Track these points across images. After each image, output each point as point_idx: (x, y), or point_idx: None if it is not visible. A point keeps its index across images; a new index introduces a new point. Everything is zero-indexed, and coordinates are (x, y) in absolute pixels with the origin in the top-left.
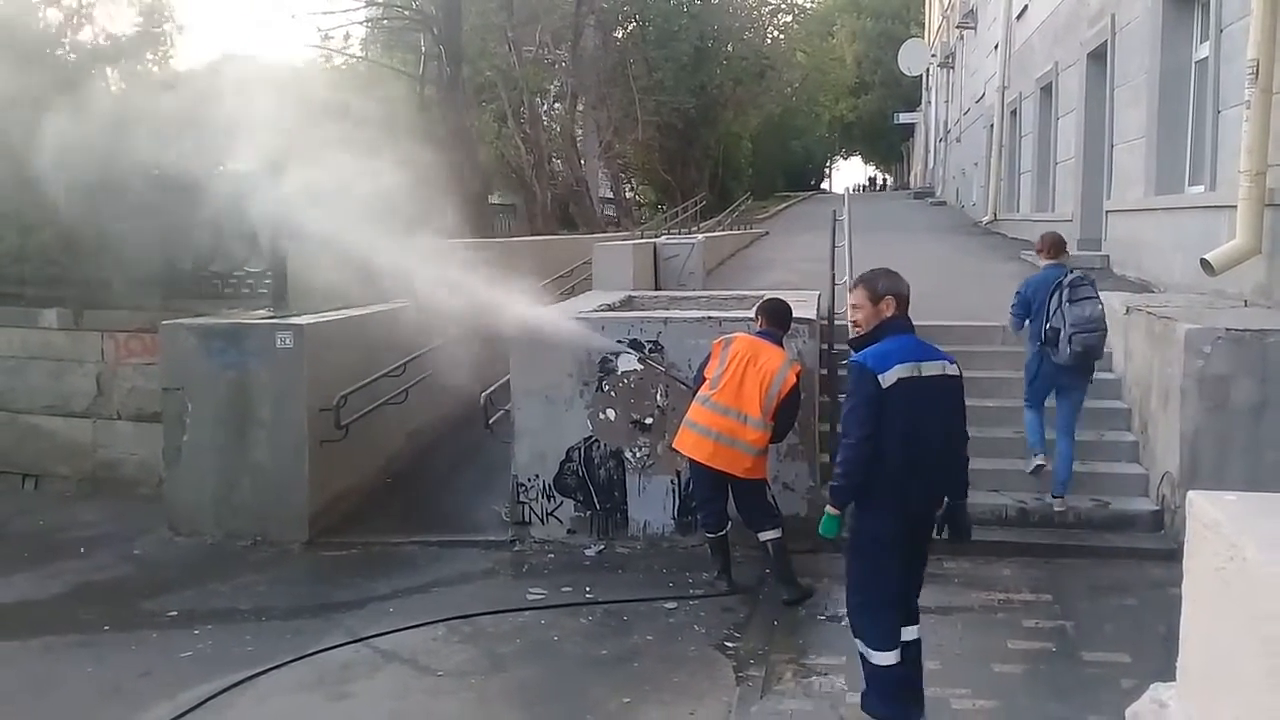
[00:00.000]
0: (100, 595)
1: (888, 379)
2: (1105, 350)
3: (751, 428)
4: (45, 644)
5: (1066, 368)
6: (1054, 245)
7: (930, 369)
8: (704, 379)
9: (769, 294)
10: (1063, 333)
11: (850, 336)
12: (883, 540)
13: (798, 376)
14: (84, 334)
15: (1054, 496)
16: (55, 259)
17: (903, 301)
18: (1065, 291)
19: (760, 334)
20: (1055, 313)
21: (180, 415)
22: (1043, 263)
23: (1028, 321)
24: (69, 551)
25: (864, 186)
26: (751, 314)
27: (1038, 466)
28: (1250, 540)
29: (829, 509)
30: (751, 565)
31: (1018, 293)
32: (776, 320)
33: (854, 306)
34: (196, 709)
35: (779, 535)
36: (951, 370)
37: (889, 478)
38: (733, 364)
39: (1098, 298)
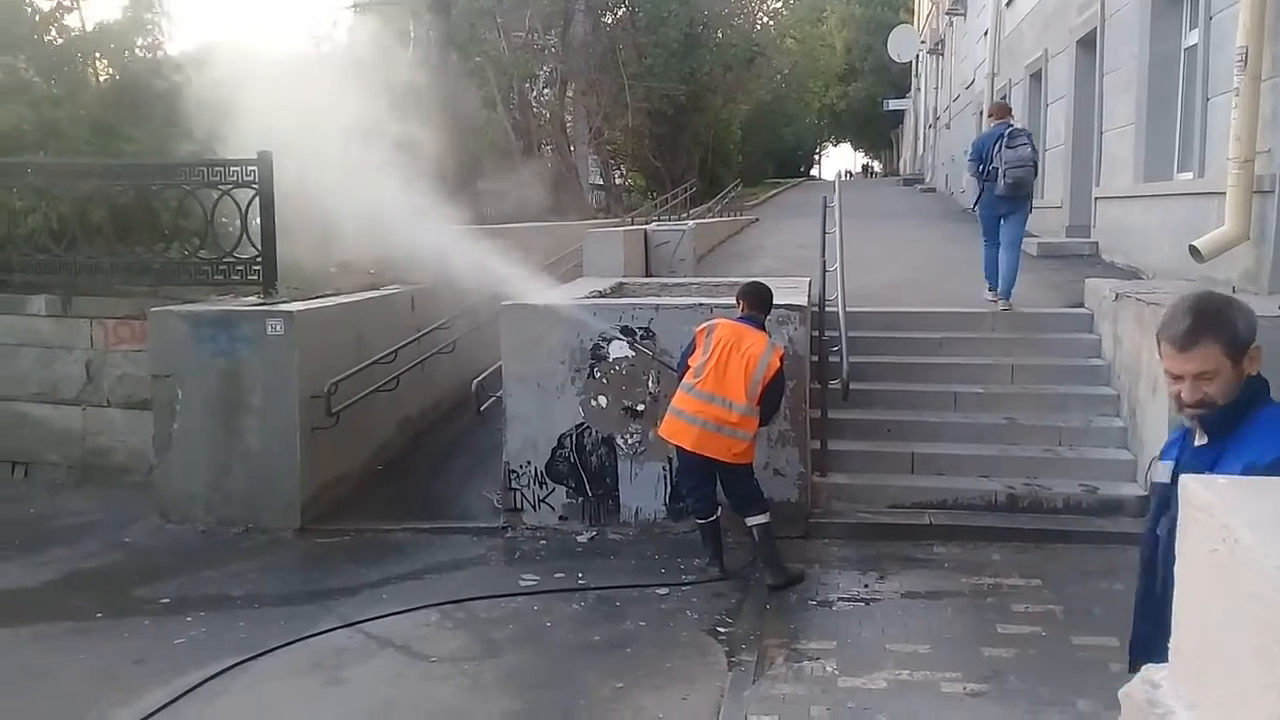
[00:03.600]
0: (92, 583)
1: None
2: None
3: (737, 413)
4: (37, 632)
5: (1004, 197)
6: (1000, 109)
7: None
8: (688, 367)
9: (758, 280)
10: (1000, 169)
11: (1194, 414)
12: None
13: (781, 360)
14: (73, 321)
15: (1001, 297)
16: (43, 245)
17: None
18: (1005, 140)
19: (742, 319)
20: (996, 155)
21: (171, 402)
22: (992, 123)
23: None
24: (60, 539)
25: (851, 173)
26: (734, 299)
27: (990, 300)
28: (1242, 523)
29: None
30: (743, 551)
31: (973, 144)
32: (758, 304)
33: (1201, 376)
34: (189, 693)
35: (766, 520)
36: None
37: None
38: (716, 350)
39: (1030, 144)
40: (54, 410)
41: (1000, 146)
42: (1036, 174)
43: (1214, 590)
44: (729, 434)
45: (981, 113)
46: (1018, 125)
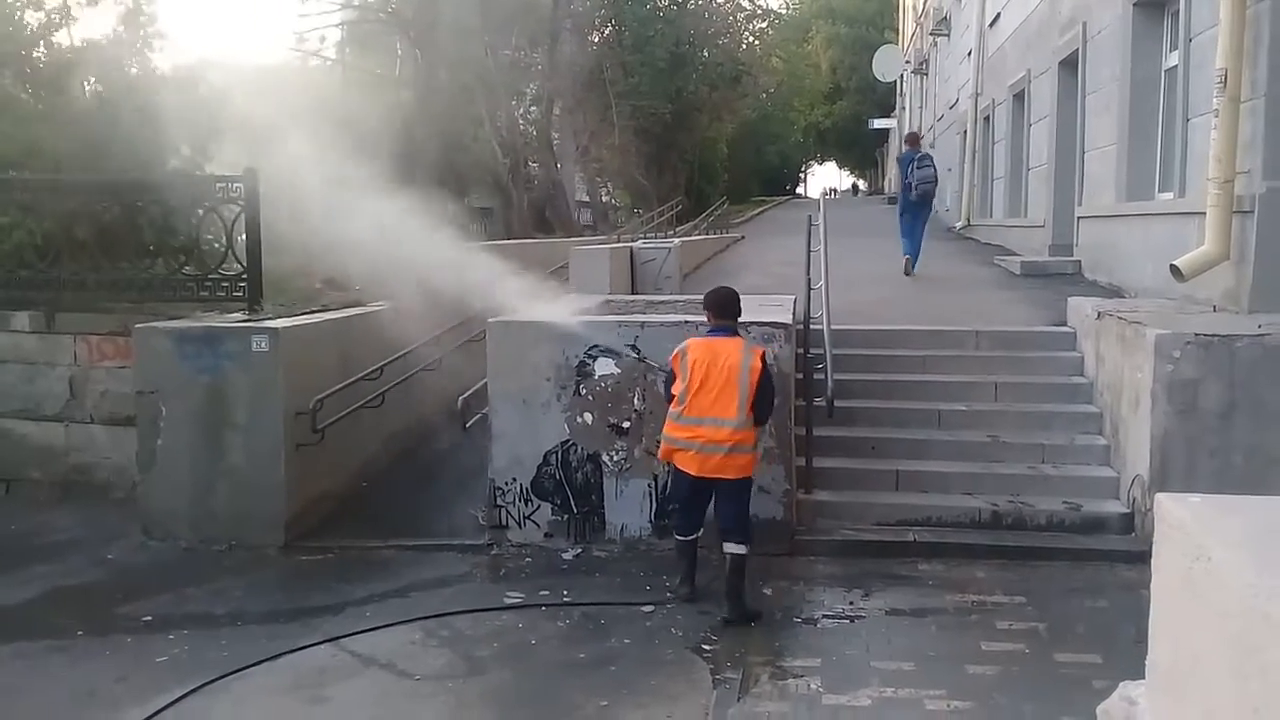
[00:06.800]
0: (74, 600)
1: None
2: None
3: (729, 428)
4: (18, 649)
5: (914, 203)
6: (912, 138)
7: None
8: (672, 396)
9: (744, 297)
10: (912, 184)
11: None
12: None
13: (763, 359)
14: (56, 337)
15: (913, 264)
16: (27, 261)
17: None
18: (915, 163)
19: (712, 332)
20: (910, 173)
21: (154, 419)
22: (905, 148)
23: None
24: (42, 556)
25: (837, 191)
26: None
27: (906, 266)
28: (1215, 540)
29: None
30: (724, 569)
31: (897, 160)
32: (724, 311)
33: None
34: (169, 708)
35: (744, 552)
36: None
37: None
38: (694, 372)
39: (933, 167)
40: (36, 427)
41: (913, 168)
42: (936, 186)
43: (1189, 607)
44: (726, 451)
45: (964, 133)
46: (925, 151)
